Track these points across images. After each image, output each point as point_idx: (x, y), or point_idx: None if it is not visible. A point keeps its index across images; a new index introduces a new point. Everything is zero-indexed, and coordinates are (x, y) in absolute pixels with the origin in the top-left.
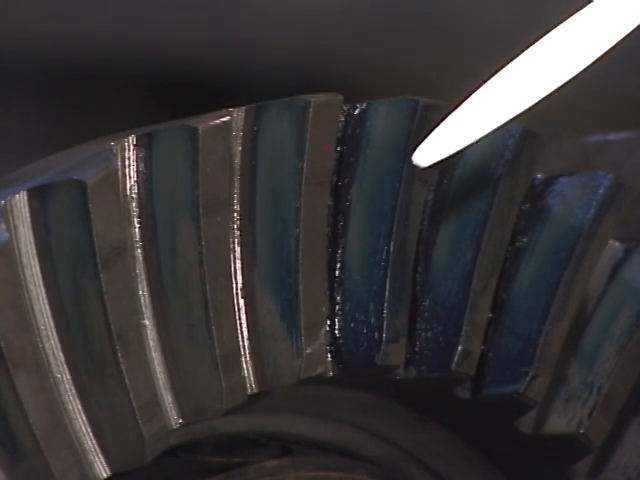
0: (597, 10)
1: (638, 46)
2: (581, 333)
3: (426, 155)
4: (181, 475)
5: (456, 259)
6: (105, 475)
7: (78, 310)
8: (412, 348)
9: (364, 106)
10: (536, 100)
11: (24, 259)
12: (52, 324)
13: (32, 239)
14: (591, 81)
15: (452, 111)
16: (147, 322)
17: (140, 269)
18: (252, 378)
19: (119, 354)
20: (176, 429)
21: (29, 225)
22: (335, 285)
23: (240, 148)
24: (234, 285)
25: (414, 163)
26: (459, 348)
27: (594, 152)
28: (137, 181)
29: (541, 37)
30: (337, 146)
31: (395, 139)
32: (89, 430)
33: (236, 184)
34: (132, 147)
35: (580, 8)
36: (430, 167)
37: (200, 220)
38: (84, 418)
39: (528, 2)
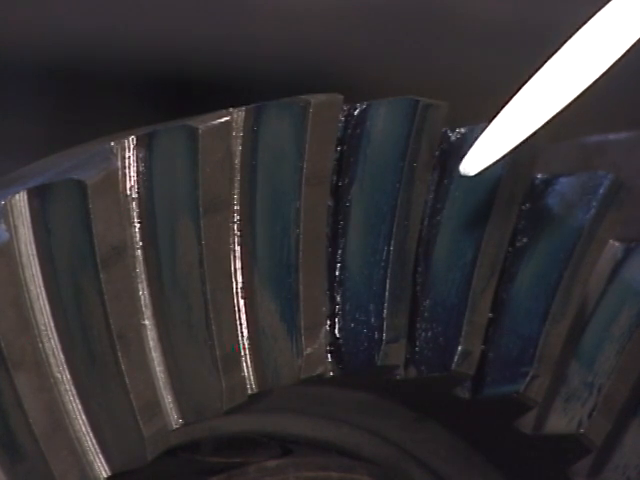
0: (615, 11)
1: (637, 46)
2: (581, 333)
3: (473, 164)
4: (181, 475)
5: (456, 259)
6: (105, 475)
7: (78, 310)
8: (412, 348)
9: (364, 106)
10: (576, 94)
11: (24, 259)
12: (52, 324)
13: (32, 239)
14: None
15: (493, 118)
16: (147, 322)
17: (140, 269)
18: (252, 378)
19: (119, 354)
20: (176, 429)
21: (29, 225)
22: (335, 285)
23: (240, 148)
24: (234, 285)
25: (462, 174)
26: (459, 348)
27: (594, 152)
28: (137, 181)
29: (570, 36)
30: (337, 146)
31: (395, 139)
32: (89, 430)
33: (236, 184)
34: (132, 147)
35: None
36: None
37: (200, 220)
38: (84, 418)
39: (528, 2)
